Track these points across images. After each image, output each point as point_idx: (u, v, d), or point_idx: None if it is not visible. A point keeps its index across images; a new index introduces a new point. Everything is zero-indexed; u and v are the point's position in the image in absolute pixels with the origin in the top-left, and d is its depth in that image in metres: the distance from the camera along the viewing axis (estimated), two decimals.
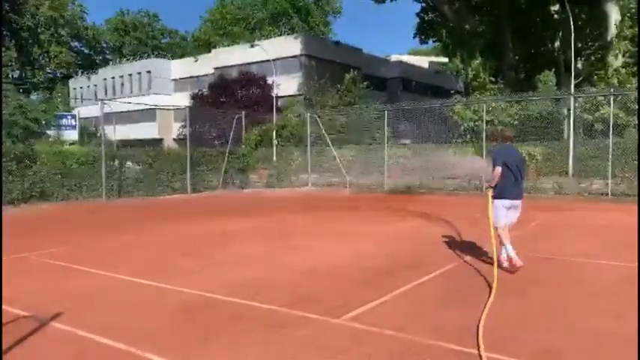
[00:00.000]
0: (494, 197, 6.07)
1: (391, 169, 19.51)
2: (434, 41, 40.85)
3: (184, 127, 26.01)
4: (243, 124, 20.64)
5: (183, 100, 37.58)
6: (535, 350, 3.61)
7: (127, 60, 54.52)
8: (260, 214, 12.30)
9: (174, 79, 47.86)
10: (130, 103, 26.95)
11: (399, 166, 20.13)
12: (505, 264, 5.99)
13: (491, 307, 4.56)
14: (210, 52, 46.61)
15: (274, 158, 21.50)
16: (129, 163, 17.52)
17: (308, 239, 8.49)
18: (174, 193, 17.68)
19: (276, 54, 34.23)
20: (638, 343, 3.54)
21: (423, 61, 58.27)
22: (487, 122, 17.18)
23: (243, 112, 21.12)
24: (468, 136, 19.85)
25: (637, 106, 15.61)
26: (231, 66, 39.66)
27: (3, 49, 42.97)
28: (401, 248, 7.49)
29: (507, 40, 31.49)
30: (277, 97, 29.02)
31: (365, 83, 33.30)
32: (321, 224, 10.36)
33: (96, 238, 8.78)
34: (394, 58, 52.02)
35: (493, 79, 26.47)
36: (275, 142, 22.16)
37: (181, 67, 47.50)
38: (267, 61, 29.86)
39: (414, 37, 44.27)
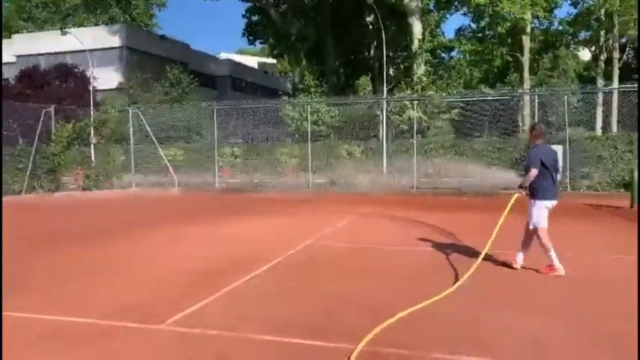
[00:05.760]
0: (538, 198, 5.75)
1: (222, 167, 19.37)
2: (261, 42, 41.63)
3: None
4: (53, 119, 18.49)
5: None
6: (350, 333, 3.91)
7: None
8: (76, 219, 11.18)
9: None
10: None
11: (230, 165, 20.09)
12: (559, 272, 5.61)
13: (316, 295, 4.83)
14: (10, 37, 40.79)
15: (92, 158, 19.71)
16: None
17: (134, 244, 7.98)
18: None
19: (93, 44, 31.41)
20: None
21: (253, 61, 59.02)
22: (312, 123, 18.12)
23: (53, 107, 18.92)
24: (297, 135, 20.74)
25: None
26: (39, 54, 35.35)
27: None
28: (231, 248, 7.48)
29: (329, 46, 33.58)
30: (95, 91, 26.67)
31: (192, 78, 32.37)
32: (147, 228, 9.78)
33: None
34: (224, 56, 51.71)
35: (317, 82, 27.99)
36: (93, 139, 20.31)
37: None
38: (83, 51, 27.21)
39: (242, 37, 44.55)
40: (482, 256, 5.75)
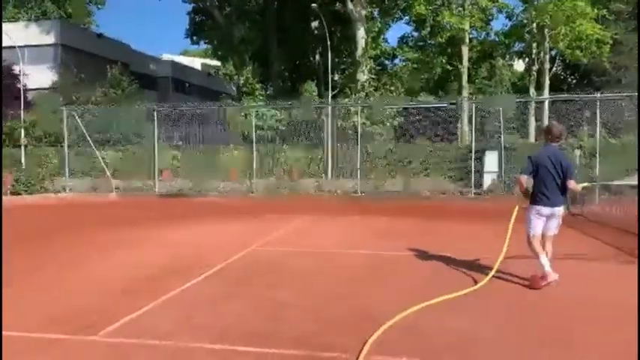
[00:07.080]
0: (530, 202, 5.44)
1: (163, 171, 18.81)
2: (205, 43, 40.95)
3: None
4: None
5: None
6: (292, 338, 3.87)
7: None
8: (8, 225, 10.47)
9: None
10: None
11: (171, 169, 19.55)
12: (552, 277, 5.21)
13: (261, 300, 4.75)
14: None
15: (22, 160, 18.60)
16: None
17: (67, 251, 7.57)
18: None
19: (24, 40, 29.71)
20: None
21: (196, 63, 57.84)
22: (256, 127, 17.96)
23: None
24: (241, 139, 20.47)
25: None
26: None
27: None
28: (171, 254, 7.25)
29: (274, 50, 33.49)
30: (26, 90, 25.25)
31: (132, 79, 31.25)
32: (82, 234, 9.31)
33: None
34: (166, 57, 50.43)
35: (262, 85, 27.82)
36: (23, 141, 19.20)
37: None
38: (13, 47, 25.66)
39: (184, 37, 43.60)
40: (493, 272, 5.55)
